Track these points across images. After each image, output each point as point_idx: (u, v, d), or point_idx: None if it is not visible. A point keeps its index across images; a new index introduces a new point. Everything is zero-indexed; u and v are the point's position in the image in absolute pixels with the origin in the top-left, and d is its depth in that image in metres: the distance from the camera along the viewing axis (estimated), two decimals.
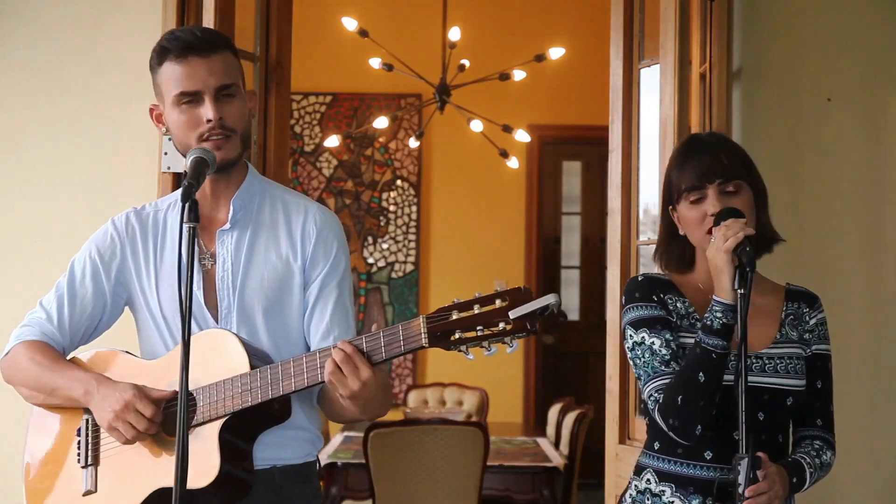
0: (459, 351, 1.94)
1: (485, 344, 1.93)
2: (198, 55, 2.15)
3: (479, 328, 1.91)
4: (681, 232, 2.26)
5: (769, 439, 2.17)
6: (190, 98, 2.16)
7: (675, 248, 2.30)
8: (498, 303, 1.91)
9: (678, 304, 2.23)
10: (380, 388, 2.04)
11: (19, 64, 3.48)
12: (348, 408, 2.11)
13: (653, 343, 2.19)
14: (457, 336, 1.92)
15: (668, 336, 2.19)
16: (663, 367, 2.17)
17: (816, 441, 2.23)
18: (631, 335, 2.22)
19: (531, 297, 1.91)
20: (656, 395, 2.16)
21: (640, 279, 2.27)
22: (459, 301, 1.94)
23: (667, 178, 2.27)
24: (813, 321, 2.26)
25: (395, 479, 4.56)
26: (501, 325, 1.90)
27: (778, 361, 2.18)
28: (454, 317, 1.92)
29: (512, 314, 1.90)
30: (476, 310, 1.92)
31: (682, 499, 2.18)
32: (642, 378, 2.19)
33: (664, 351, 2.18)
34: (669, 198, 2.26)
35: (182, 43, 2.15)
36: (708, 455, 2.17)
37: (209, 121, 2.15)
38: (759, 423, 2.14)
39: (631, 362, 2.23)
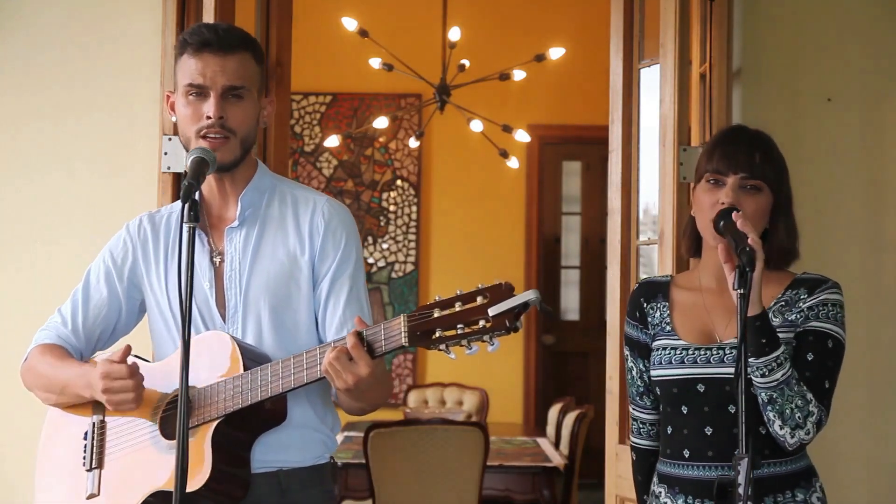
0: (440, 350, 1.91)
1: (464, 342, 1.89)
2: (213, 53, 2.16)
3: (459, 326, 1.88)
4: (692, 212, 2.25)
5: (746, 432, 2.08)
6: (197, 91, 2.16)
7: (688, 229, 2.30)
8: (479, 300, 1.88)
9: (656, 314, 2.26)
10: (376, 382, 2.03)
11: (19, 63, 3.48)
12: (343, 399, 2.11)
13: (631, 369, 2.33)
14: (437, 335, 1.89)
15: (641, 366, 2.30)
16: (637, 398, 2.33)
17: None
18: (625, 346, 2.35)
19: (512, 293, 1.86)
20: (632, 423, 2.35)
21: (635, 288, 2.35)
22: (441, 299, 1.91)
23: (699, 158, 2.25)
24: (809, 303, 2.15)
25: (395, 479, 4.56)
26: (481, 322, 1.86)
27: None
28: (435, 315, 1.89)
29: (491, 311, 1.85)
30: (457, 307, 1.89)
31: (672, 499, 2.19)
32: (628, 393, 2.36)
33: (639, 382, 2.31)
34: (694, 177, 2.26)
35: (201, 38, 2.17)
36: (686, 453, 2.18)
37: (209, 118, 2.15)
38: (729, 415, 2.11)
39: None
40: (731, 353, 2.16)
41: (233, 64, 2.17)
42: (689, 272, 2.34)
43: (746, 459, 2.00)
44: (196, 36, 2.18)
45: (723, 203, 2.13)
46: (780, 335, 2.11)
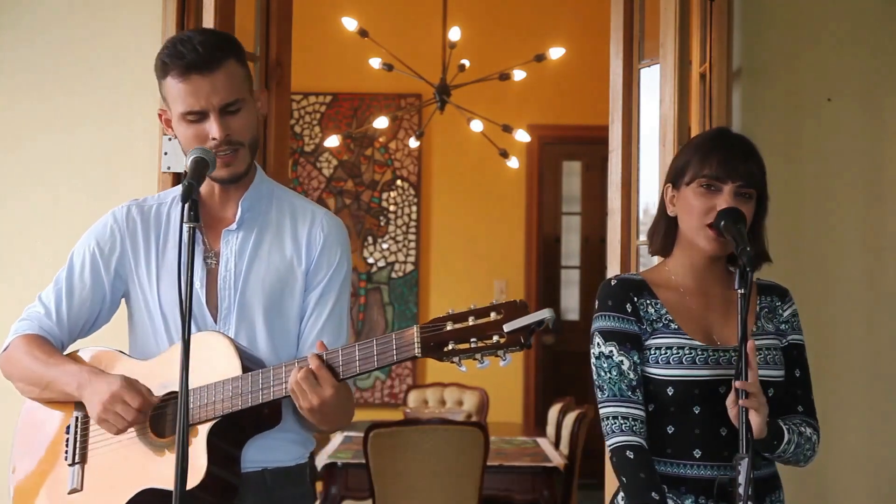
0: (452, 362, 1.93)
1: (477, 356, 1.92)
2: (200, 73, 2.12)
3: (472, 340, 1.91)
4: (670, 213, 2.25)
5: (746, 432, 2.12)
6: (196, 116, 2.15)
7: (660, 228, 2.29)
8: (493, 315, 1.91)
9: (650, 309, 2.21)
10: (339, 405, 2.07)
11: (19, 63, 3.48)
12: (307, 418, 2.12)
13: (621, 362, 2.18)
14: (450, 347, 1.92)
15: (635, 358, 2.19)
16: (630, 394, 2.17)
17: (797, 420, 2.22)
18: (599, 344, 2.20)
19: (527, 310, 1.89)
20: (622, 422, 2.15)
21: (613, 283, 2.25)
22: (454, 312, 1.94)
23: (682, 158, 2.24)
24: (786, 313, 2.27)
25: (395, 479, 4.56)
26: (495, 338, 1.90)
27: (758, 353, 2.17)
28: (448, 328, 1.92)
29: (506, 328, 1.89)
30: (471, 321, 1.91)
31: (674, 499, 2.16)
32: (605, 393, 2.18)
33: (632, 375, 2.18)
34: (675, 177, 2.24)
35: (184, 61, 2.12)
36: (697, 453, 2.16)
37: (215, 139, 2.14)
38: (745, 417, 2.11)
39: (594, 370, 2.21)
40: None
41: (222, 79, 2.13)
42: (656, 269, 2.30)
43: (746, 459, 2.01)
44: (177, 58, 2.13)
45: (720, 210, 2.15)
46: (769, 341, 2.22)
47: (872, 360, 3.41)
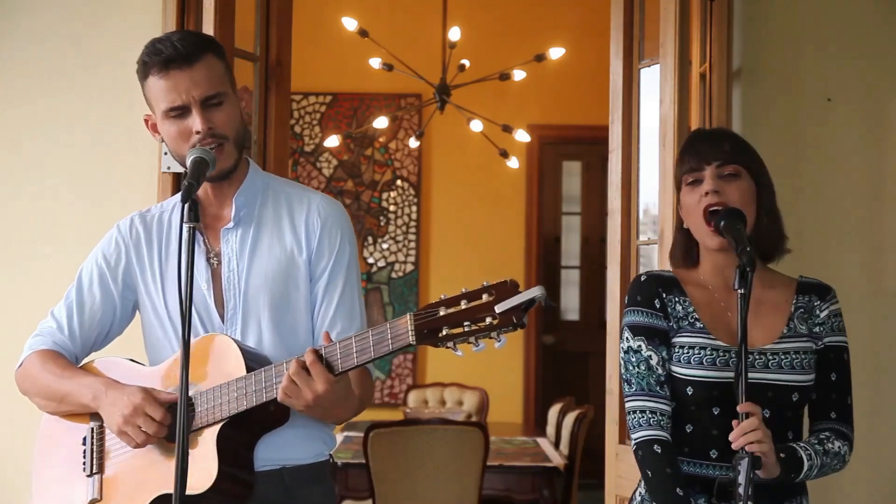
0: (447, 347, 1.92)
1: (472, 339, 1.90)
2: (179, 68, 2.13)
3: (466, 324, 1.89)
4: (684, 225, 2.26)
5: (776, 437, 2.12)
6: (178, 112, 2.15)
7: (680, 242, 2.30)
8: (485, 297, 1.89)
9: (678, 306, 2.21)
10: (338, 400, 2.06)
11: (18, 63, 3.48)
12: (308, 416, 2.12)
13: (650, 357, 2.19)
14: (444, 332, 1.90)
15: (664, 354, 2.19)
16: (658, 388, 2.18)
17: (825, 432, 2.20)
18: (628, 338, 2.22)
19: (518, 290, 1.88)
20: (650, 416, 2.16)
21: (643, 279, 2.25)
22: (447, 297, 1.92)
23: (674, 171, 2.30)
24: (824, 313, 2.24)
25: (395, 479, 4.56)
26: (488, 319, 1.88)
27: (783, 357, 2.17)
28: (441, 313, 1.90)
29: (498, 308, 1.87)
30: (463, 305, 1.90)
31: (691, 498, 2.13)
32: (633, 387, 2.20)
33: (660, 371, 2.19)
34: (677, 190, 2.27)
35: (162, 57, 2.13)
36: (714, 454, 2.16)
37: (198, 132, 2.13)
38: (764, 420, 2.10)
39: (621, 363, 2.23)
40: (773, 357, 2.18)
41: (201, 73, 2.14)
42: (688, 271, 2.30)
43: (746, 459, 2.01)
44: (155, 56, 2.14)
45: (706, 193, 2.16)
46: (799, 344, 2.19)
47: (873, 359, 3.41)
